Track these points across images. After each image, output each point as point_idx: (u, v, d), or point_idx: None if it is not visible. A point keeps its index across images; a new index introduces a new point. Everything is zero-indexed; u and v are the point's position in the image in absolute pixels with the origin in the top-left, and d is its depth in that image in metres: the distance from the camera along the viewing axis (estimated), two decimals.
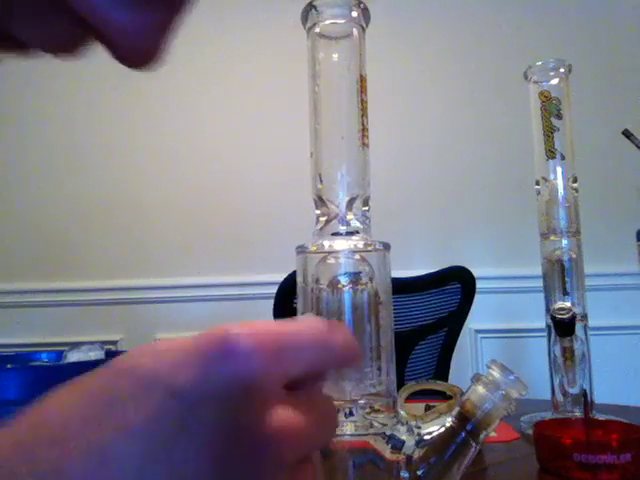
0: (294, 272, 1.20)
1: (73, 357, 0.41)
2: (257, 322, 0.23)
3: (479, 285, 1.39)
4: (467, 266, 1.40)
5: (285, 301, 1.23)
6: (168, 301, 1.94)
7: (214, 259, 1.96)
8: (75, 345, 0.42)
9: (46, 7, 0.21)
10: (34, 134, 1.99)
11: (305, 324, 0.25)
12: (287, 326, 0.24)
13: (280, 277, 1.24)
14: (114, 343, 1.90)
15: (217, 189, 1.99)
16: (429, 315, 1.36)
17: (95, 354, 0.41)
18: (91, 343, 0.42)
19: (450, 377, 1.41)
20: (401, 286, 1.33)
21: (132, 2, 0.21)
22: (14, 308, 1.92)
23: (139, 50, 0.22)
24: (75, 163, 2.00)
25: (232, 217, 1.98)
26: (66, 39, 0.22)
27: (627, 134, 0.87)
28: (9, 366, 0.40)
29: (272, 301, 1.25)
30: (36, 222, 1.98)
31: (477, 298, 1.39)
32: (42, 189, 1.99)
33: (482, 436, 0.30)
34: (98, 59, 0.25)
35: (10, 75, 1.95)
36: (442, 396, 0.56)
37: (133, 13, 0.21)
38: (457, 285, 1.38)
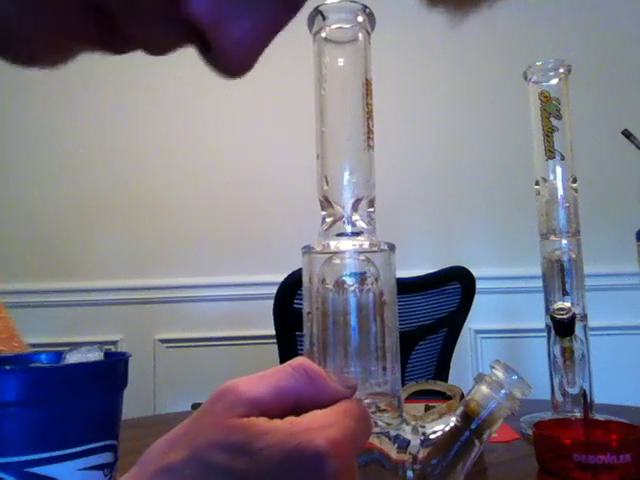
0: (294, 272, 1.20)
1: (72, 358, 0.41)
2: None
3: (479, 285, 1.40)
4: (467, 266, 1.40)
5: (285, 301, 1.23)
6: (168, 301, 1.94)
7: (214, 259, 1.96)
8: (74, 346, 0.42)
9: (162, 14, 0.21)
10: (35, 132, 1.99)
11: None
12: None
13: (280, 277, 1.24)
14: (114, 343, 1.90)
15: (218, 189, 1.99)
16: (429, 315, 1.36)
17: (94, 355, 0.41)
18: (90, 344, 0.42)
19: (450, 377, 1.41)
20: (401, 286, 1.33)
21: (241, 17, 0.21)
22: (13, 309, 1.91)
23: (241, 62, 0.23)
24: (75, 162, 2.00)
25: (232, 218, 1.98)
26: (171, 44, 0.23)
27: (627, 134, 0.87)
28: (8, 367, 0.40)
29: (272, 301, 1.25)
30: (35, 222, 1.98)
31: (477, 298, 1.39)
32: (41, 189, 1.98)
33: (486, 435, 0.30)
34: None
35: (10, 74, 1.95)
36: (442, 396, 0.56)
37: (243, 28, 0.22)
38: (457, 285, 1.39)
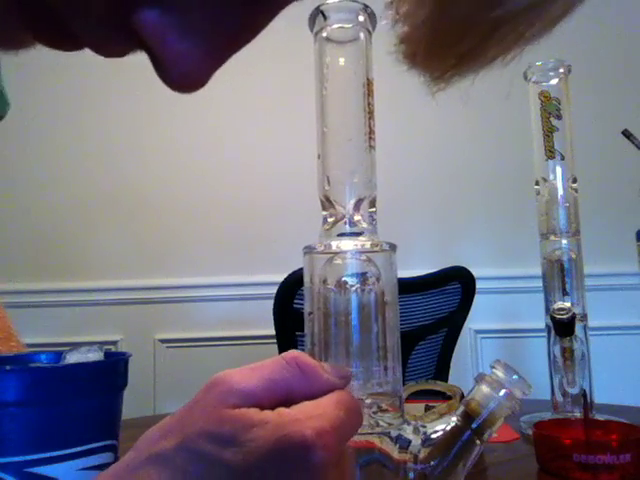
0: (294, 272, 1.19)
1: (72, 358, 0.41)
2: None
3: (479, 285, 1.40)
4: (467, 266, 1.40)
5: (286, 302, 1.23)
6: (168, 301, 1.94)
7: (215, 259, 1.96)
8: (74, 346, 0.42)
9: (108, 18, 0.21)
10: (36, 132, 1.99)
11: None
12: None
13: (281, 277, 1.24)
14: (114, 343, 1.90)
15: (219, 189, 1.99)
16: (429, 315, 1.36)
17: (94, 355, 0.42)
18: (90, 344, 0.42)
19: (450, 377, 1.41)
20: (401, 286, 1.33)
21: (191, 31, 0.21)
22: (13, 309, 1.90)
23: (187, 77, 0.22)
24: (76, 162, 2.00)
25: (232, 218, 1.98)
26: (119, 49, 0.23)
27: (627, 134, 0.87)
28: (8, 367, 0.40)
29: (272, 301, 1.25)
30: (35, 222, 1.98)
31: (477, 298, 1.39)
32: (42, 188, 1.98)
33: (487, 435, 0.30)
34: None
35: (13, 74, 1.95)
36: (442, 396, 0.56)
37: (190, 43, 0.21)
38: (457, 285, 1.39)
